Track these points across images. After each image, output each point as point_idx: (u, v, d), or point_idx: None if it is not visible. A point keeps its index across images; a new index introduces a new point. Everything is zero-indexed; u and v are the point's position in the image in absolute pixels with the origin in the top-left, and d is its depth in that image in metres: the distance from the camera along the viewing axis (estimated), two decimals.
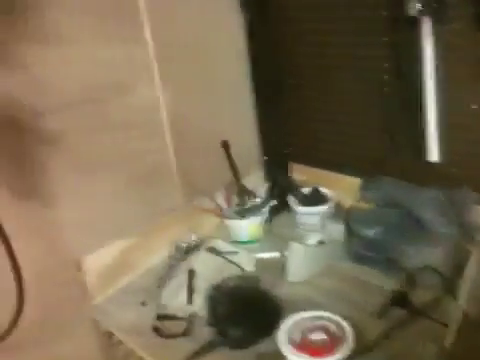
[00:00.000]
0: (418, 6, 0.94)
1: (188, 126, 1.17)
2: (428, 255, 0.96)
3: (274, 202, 1.22)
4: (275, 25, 1.28)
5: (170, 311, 0.97)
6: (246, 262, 1.09)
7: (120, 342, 0.98)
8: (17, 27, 0.83)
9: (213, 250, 1.11)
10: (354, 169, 1.24)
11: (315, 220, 1.19)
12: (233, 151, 1.24)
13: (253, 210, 1.20)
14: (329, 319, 0.86)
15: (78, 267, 1.00)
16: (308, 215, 1.21)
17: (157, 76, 1.09)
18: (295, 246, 1.03)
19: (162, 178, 1.16)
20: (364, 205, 1.15)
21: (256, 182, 1.32)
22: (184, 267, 1.05)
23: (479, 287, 0.84)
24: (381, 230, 1.04)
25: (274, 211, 1.26)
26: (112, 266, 1.05)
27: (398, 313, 0.89)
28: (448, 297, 0.90)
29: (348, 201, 1.21)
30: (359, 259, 1.05)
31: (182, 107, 1.15)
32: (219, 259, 1.08)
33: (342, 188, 1.25)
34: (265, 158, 1.38)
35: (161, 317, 0.96)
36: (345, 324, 0.84)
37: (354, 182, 1.21)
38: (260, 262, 1.11)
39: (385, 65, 1.11)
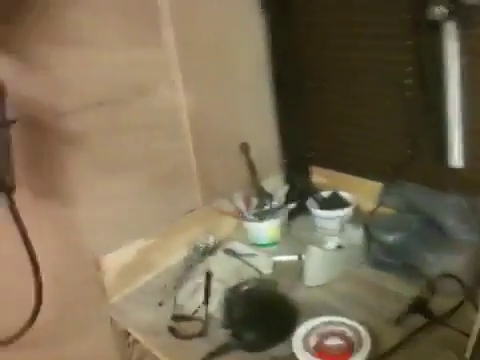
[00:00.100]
0: (442, 10, 0.93)
1: (208, 128, 1.18)
2: (449, 262, 0.94)
3: (293, 205, 1.22)
4: (296, 27, 1.28)
5: (186, 312, 0.97)
6: (263, 265, 1.08)
7: (136, 341, 0.98)
8: (39, 28, 0.85)
9: (231, 252, 1.11)
10: (375, 173, 1.22)
11: (334, 224, 1.18)
12: (253, 153, 1.24)
13: (272, 213, 1.20)
14: (346, 324, 0.85)
15: (97, 266, 1.01)
16: (327, 219, 1.19)
17: (178, 78, 1.09)
18: (313, 250, 1.02)
19: (182, 179, 1.16)
20: (384, 210, 1.14)
21: (275, 185, 1.31)
22: (201, 268, 1.06)
23: None
24: (401, 236, 1.02)
25: (293, 214, 1.25)
26: (130, 266, 1.06)
27: (417, 320, 0.87)
28: (469, 306, 0.88)
29: (368, 206, 1.19)
30: (378, 265, 1.04)
31: (202, 108, 1.15)
32: (236, 261, 1.08)
33: (362, 192, 1.24)
34: (285, 161, 1.37)
35: (177, 318, 0.96)
36: (362, 330, 0.83)
37: (375, 186, 1.19)
38: (278, 265, 1.10)
39: (408, 69, 1.09)
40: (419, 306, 0.90)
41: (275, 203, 1.22)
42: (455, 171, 1.03)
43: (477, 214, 0.99)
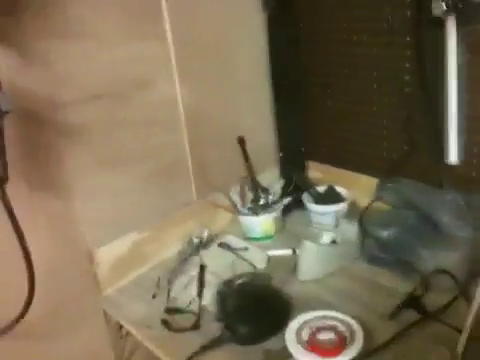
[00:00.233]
0: (443, 6, 0.93)
1: (205, 122, 1.18)
2: (443, 259, 0.94)
3: (288, 199, 1.21)
4: (295, 23, 1.27)
5: (180, 305, 0.97)
6: (258, 259, 1.08)
7: (129, 334, 0.98)
8: (38, 21, 0.84)
9: (225, 246, 1.11)
10: (371, 169, 1.23)
11: (329, 219, 1.18)
12: (249, 147, 1.24)
13: (267, 207, 1.20)
14: (339, 319, 0.84)
15: (90, 259, 1.00)
16: (322, 214, 1.19)
17: (176, 72, 1.09)
18: (307, 244, 1.02)
19: (177, 173, 1.16)
20: (380, 206, 1.14)
21: (271, 179, 1.31)
22: (195, 262, 1.05)
23: None
24: (396, 231, 1.02)
25: (288, 209, 1.25)
26: (124, 259, 1.06)
27: (410, 316, 0.87)
28: (462, 302, 0.88)
29: (364, 201, 1.19)
30: (372, 260, 1.04)
31: (199, 103, 1.15)
32: (231, 255, 1.08)
33: (358, 188, 1.24)
34: (281, 155, 1.37)
35: (170, 310, 0.96)
36: (355, 324, 0.83)
37: (371, 182, 1.19)
38: (272, 259, 1.10)
39: (407, 65, 1.09)
40: (413, 302, 0.90)
41: (270, 197, 1.21)
42: (451, 168, 1.03)
43: (472, 211, 0.98)
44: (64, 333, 0.97)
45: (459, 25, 0.93)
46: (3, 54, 0.80)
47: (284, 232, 1.22)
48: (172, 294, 0.99)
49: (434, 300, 0.90)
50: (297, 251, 1.06)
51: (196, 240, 1.11)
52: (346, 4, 1.15)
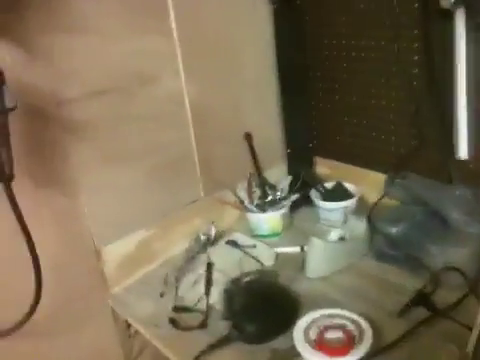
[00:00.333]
0: None
1: (211, 117, 1.17)
2: (453, 255, 0.93)
3: (296, 196, 1.20)
4: (301, 17, 1.26)
5: (187, 303, 0.97)
6: (265, 256, 1.08)
7: (137, 333, 0.98)
8: (42, 16, 0.83)
9: (232, 243, 1.10)
10: (379, 164, 1.21)
11: (337, 215, 1.17)
12: (256, 143, 1.23)
13: (274, 204, 1.19)
14: (347, 317, 0.84)
15: (98, 257, 1.00)
16: (330, 210, 1.18)
17: (182, 67, 1.08)
18: (315, 241, 1.01)
19: (184, 170, 1.15)
20: (388, 202, 1.13)
21: (278, 175, 1.30)
22: (203, 259, 1.05)
23: None
24: (405, 228, 1.01)
25: (296, 205, 1.24)
26: (131, 257, 1.06)
27: (419, 313, 0.86)
28: (472, 299, 0.87)
29: (372, 197, 1.18)
30: (381, 257, 1.03)
31: (206, 98, 1.14)
32: (238, 252, 1.07)
33: (366, 183, 1.23)
34: (288, 151, 1.36)
35: (178, 309, 0.95)
36: (364, 323, 0.82)
37: (379, 178, 1.18)
38: (280, 256, 1.10)
39: (415, 58, 1.07)
40: (422, 299, 0.89)
41: (278, 194, 1.21)
42: (461, 163, 1.01)
43: None
44: (71, 331, 0.97)
45: (468, 17, 0.92)
46: (7, 50, 0.79)
47: (292, 229, 1.22)
48: (180, 292, 0.99)
49: (444, 297, 0.89)
50: (305, 248, 1.05)
51: (203, 237, 1.10)
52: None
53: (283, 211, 1.18)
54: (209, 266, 1.02)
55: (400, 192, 1.10)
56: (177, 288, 1.00)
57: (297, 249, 1.10)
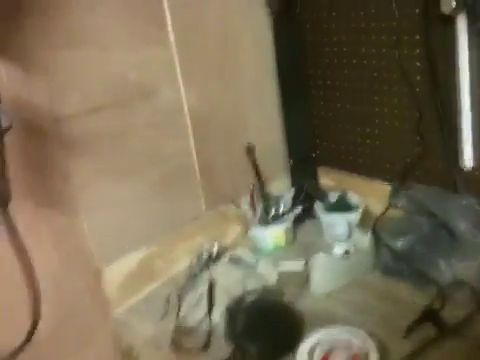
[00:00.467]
0: (452, 3, 0.89)
1: (212, 128, 1.15)
2: (461, 269, 0.91)
3: (299, 209, 1.18)
4: (301, 25, 1.24)
5: (189, 324, 0.95)
6: (269, 273, 1.05)
7: (139, 354, 0.96)
8: (39, 30, 0.82)
9: (235, 260, 1.08)
10: (384, 173, 1.19)
11: (342, 228, 1.14)
12: (258, 154, 1.21)
13: (278, 217, 1.17)
14: (353, 335, 0.81)
15: (99, 277, 0.99)
16: (334, 223, 1.16)
17: (181, 78, 1.07)
18: (320, 257, 0.99)
19: (186, 184, 1.14)
20: (394, 213, 1.10)
21: (281, 188, 1.28)
22: (205, 278, 1.03)
23: None
24: (411, 241, 0.98)
25: (300, 218, 1.22)
26: (133, 276, 1.04)
27: (428, 330, 0.83)
28: None
29: (377, 208, 1.15)
30: (387, 271, 1.00)
31: (206, 109, 1.13)
32: (241, 269, 1.05)
33: (371, 194, 1.20)
34: (291, 162, 1.34)
35: (180, 330, 0.93)
36: (370, 341, 0.79)
37: (384, 188, 1.15)
38: (283, 272, 1.07)
39: (417, 64, 1.05)
40: (430, 315, 0.86)
41: (281, 208, 1.19)
42: (466, 171, 0.99)
43: None
44: (72, 355, 0.95)
45: (469, 22, 0.90)
46: (4, 65, 0.78)
47: (296, 243, 1.20)
48: (182, 312, 0.97)
49: (452, 313, 0.86)
50: (309, 263, 1.03)
51: (205, 255, 1.09)
52: (353, 3, 1.12)
53: (286, 225, 1.16)
54: (211, 285, 1.00)
55: (405, 203, 1.07)
56: (179, 308, 0.98)
57: (301, 264, 1.07)
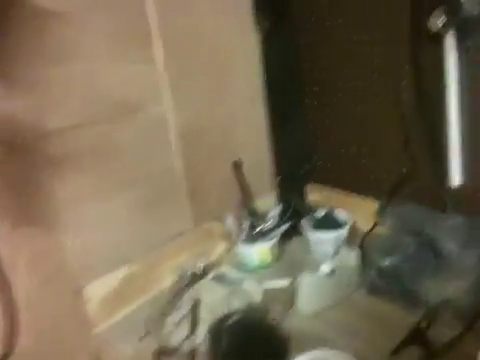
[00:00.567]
0: (441, 21, 0.89)
1: (200, 146, 1.14)
2: (449, 289, 0.89)
3: (286, 226, 1.17)
4: (291, 41, 1.24)
5: (172, 344, 0.92)
6: (254, 291, 1.03)
7: None
8: (23, 45, 0.81)
9: (220, 278, 1.06)
10: (372, 190, 1.18)
11: (329, 246, 1.13)
12: (245, 171, 1.20)
13: (264, 234, 1.15)
14: (339, 358, 0.79)
15: (79, 295, 0.96)
16: (321, 240, 1.14)
17: (168, 94, 1.06)
18: (306, 276, 0.97)
19: (171, 202, 1.12)
20: (381, 231, 1.09)
21: (268, 204, 1.27)
22: (189, 296, 1.00)
23: None
24: (398, 259, 0.97)
25: (287, 235, 1.20)
26: (115, 294, 1.01)
27: (415, 352, 0.82)
28: (470, 336, 0.83)
29: (365, 225, 1.14)
30: (374, 290, 0.99)
31: (193, 125, 1.11)
32: (226, 288, 1.03)
33: (359, 211, 1.19)
34: (279, 178, 1.32)
35: (162, 350, 0.91)
36: None
37: (371, 205, 1.14)
38: (269, 291, 1.05)
39: (404, 83, 1.05)
40: (417, 336, 0.85)
41: (268, 224, 1.17)
42: (454, 190, 0.98)
43: (478, 236, 0.93)
44: None
45: (458, 40, 0.90)
46: None
47: (282, 260, 1.18)
48: (164, 332, 0.95)
49: (440, 334, 0.84)
50: (295, 282, 1.01)
51: (190, 273, 1.07)
52: (342, 20, 1.12)
53: (273, 242, 1.15)
54: (195, 304, 0.97)
55: (393, 221, 1.06)
56: (162, 328, 0.96)
57: (287, 283, 1.05)
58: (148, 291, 1.07)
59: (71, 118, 0.91)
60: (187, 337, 0.92)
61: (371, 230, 1.09)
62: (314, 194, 1.33)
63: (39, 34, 0.83)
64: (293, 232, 1.20)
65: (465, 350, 0.80)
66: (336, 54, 1.17)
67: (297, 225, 1.20)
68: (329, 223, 1.17)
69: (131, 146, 1.02)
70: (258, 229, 1.16)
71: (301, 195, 1.33)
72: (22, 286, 0.80)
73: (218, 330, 0.89)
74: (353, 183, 1.23)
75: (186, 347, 0.90)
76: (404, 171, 1.10)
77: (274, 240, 1.15)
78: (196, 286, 1.03)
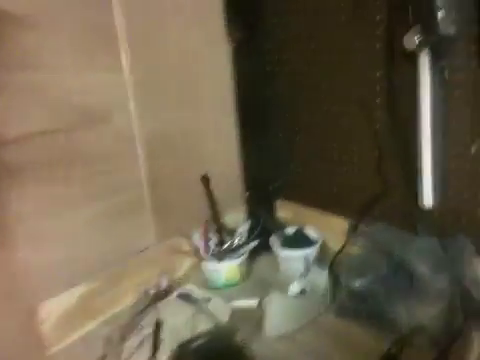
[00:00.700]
0: (415, 40, 0.88)
1: (166, 159, 1.11)
2: (420, 313, 0.87)
3: (255, 243, 1.13)
4: (262, 55, 1.22)
5: None
6: (221, 311, 0.99)
7: None
8: None
9: (185, 297, 1.01)
10: (343, 209, 1.16)
11: (298, 264, 1.09)
12: (214, 185, 1.16)
13: (232, 252, 1.12)
14: None
15: (33, 314, 0.90)
16: (291, 258, 1.11)
17: (134, 105, 1.02)
18: (274, 296, 0.94)
19: (134, 216, 1.08)
20: (352, 250, 1.06)
21: (237, 220, 1.23)
22: (151, 316, 0.95)
23: None
24: (369, 281, 0.94)
25: (255, 252, 1.16)
26: (71, 313, 0.96)
27: None
28: None
29: (335, 243, 1.12)
30: (343, 312, 0.96)
31: (160, 137, 1.08)
32: (191, 308, 0.98)
33: (330, 229, 1.17)
34: (247, 193, 1.29)
35: None
36: None
37: (342, 223, 1.12)
38: (236, 311, 1.01)
39: (377, 101, 1.04)
40: None
41: (236, 241, 1.13)
42: (427, 211, 0.97)
43: (450, 259, 0.92)
44: None
45: (433, 60, 0.89)
46: None
47: (250, 279, 1.14)
48: (123, 355, 0.89)
49: (412, 359, 0.82)
50: (263, 303, 0.97)
51: (153, 291, 1.01)
52: (314, 35, 1.10)
53: (241, 260, 1.11)
54: (158, 324, 0.92)
55: (364, 241, 1.04)
56: (121, 350, 0.90)
57: (255, 303, 1.02)
58: (107, 310, 1.02)
59: (30, 126, 0.87)
60: None
61: (342, 250, 1.07)
62: (284, 211, 1.30)
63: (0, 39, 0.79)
64: (262, 248, 1.17)
65: None
66: (309, 69, 1.15)
67: (266, 242, 1.16)
68: (299, 241, 1.15)
69: (94, 157, 0.98)
70: (226, 246, 1.12)
71: (270, 211, 1.30)
72: None
73: (183, 353, 0.85)
74: (324, 200, 1.21)
75: None
76: (377, 190, 1.08)
77: (242, 257, 1.11)
78: (159, 305, 0.98)
